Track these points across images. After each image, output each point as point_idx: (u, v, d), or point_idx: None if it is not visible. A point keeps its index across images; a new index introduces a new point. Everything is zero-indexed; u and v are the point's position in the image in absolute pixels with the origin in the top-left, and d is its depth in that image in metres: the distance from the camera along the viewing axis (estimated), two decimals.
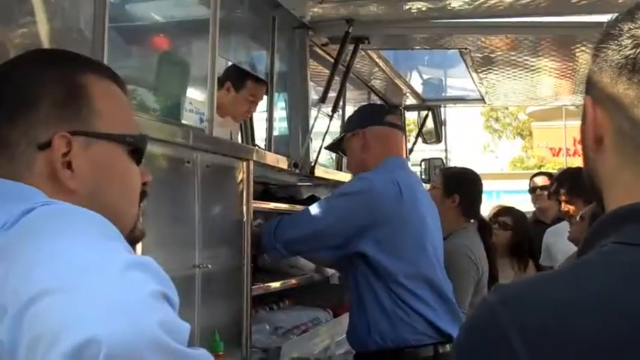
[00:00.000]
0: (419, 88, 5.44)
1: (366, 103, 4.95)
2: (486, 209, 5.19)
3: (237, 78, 3.69)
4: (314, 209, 2.94)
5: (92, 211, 1.02)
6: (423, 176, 5.61)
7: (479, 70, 4.47)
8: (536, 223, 5.15)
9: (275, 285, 3.36)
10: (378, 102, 5.34)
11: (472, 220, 3.90)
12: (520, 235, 4.54)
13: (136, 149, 1.15)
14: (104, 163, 1.11)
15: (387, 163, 3.03)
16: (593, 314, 0.78)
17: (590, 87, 0.95)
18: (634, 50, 0.88)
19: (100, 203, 1.08)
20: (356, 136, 3.11)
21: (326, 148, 3.58)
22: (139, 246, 2.07)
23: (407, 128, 5.54)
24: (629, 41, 0.88)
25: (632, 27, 0.89)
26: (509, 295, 0.84)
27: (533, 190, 5.51)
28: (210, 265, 2.48)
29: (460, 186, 3.86)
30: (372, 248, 2.85)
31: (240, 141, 4.41)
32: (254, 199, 3.36)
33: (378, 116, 3.18)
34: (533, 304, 0.81)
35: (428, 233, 2.97)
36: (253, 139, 4.55)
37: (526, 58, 4.11)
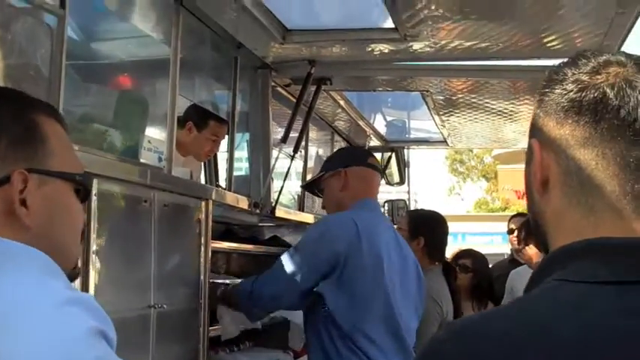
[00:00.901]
0: (382, 130, 5.49)
1: (335, 145, 4.98)
2: (452, 251, 5.22)
3: (198, 118, 3.69)
4: (284, 264, 2.92)
5: (42, 247, 1.05)
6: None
7: (440, 113, 4.53)
8: (512, 262, 5.18)
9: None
10: (342, 143, 5.37)
11: (437, 263, 3.92)
12: (479, 277, 4.57)
13: (82, 188, 1.18)
14: (55, 200, 1.14)
15: (360, 203, 3.04)
16: (531, 347, 0.81)
17: (536, 130, 0.98)
18: (579, 94, 0.92)
19: (50, 240, 1.11)
20: (336, 175, 3.11)
21: (302, 187, 3.60)
22: (91, 284, 2.05)
23: None
24: (574, 85, 0.93)
25: (575, 72, 0.94)
26: (454, 330, 0.88)
27: (510, 231, 5.58)
28: (165, 306, 2.46)
29: (425, 228, 3.90)
30: (331, 292, 2.84)
31: (203, 181, 4.40)
32: (216, 238, 3.36)
33: (361, 157, 3.21)
34: (477, 338, 0.85)
35: (388, 271, 2.95)
36: (217, 179, 4.54)
37: (487, 100, 4.18)
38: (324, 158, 5.27)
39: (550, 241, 0.96)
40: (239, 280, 3.19)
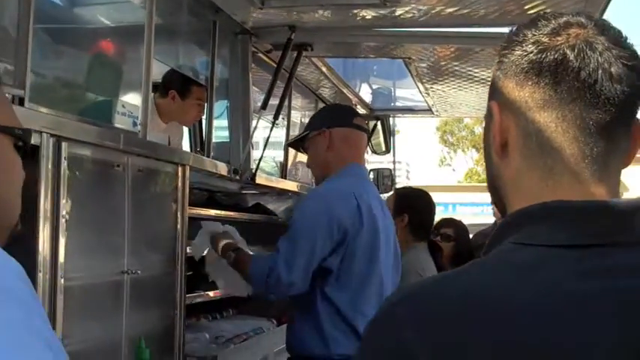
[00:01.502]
0: (367, 98, 5.47)
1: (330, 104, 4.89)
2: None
3: (181, 85, 3.66)
4: (295, 248, 2.77)
5: None
6: None
7: (424, 81, 4.50)
8: None
9: (212, 293, 3.33)
10: None
11: (422, 241, 3.91)
12: (461, 246, 4.58)
13: (22, 143, 1.14)
14: None
15: (349, 170, 2.97)
16: (485, 309, 0.81)
17: (496, 92, 0.96)
18: (539, 55, 0.90)
19: None
20: (321, 135, 3.02)
21: (287, 144, 3.53)
22: (61, 249, 2.03)
23: None
24: (534, 47, 0.91)
25: (535, 33, 0.92)
26: (405, 293, 0.89)
27: (493, 201, 5.57)
28: (139, 272, 2.45)
29: (409, 206, 3.87)
30: (336, 263, 2.80)
31: (190, 149, 4.37)
32: (198, 206, 3.34)
33: (346, 117, 3.09)
34: (429, 300, 0.85)
35: (382, 246, 2.94)
36: (202, 146, 4.50)
37: (470, 69, 4.15)
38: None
39: (508, 204, 0.95)
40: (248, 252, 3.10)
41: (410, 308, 0.84)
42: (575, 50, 0.89)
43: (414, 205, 3.91)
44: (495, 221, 5.60)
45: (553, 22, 0.93)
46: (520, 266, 0.84)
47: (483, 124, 1.01)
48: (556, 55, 0.89)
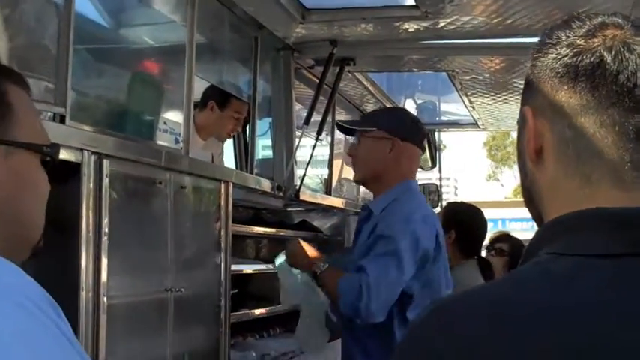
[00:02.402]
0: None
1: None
2: (490, 237, 5.16)
3: (220, 96, 3.67)
4: (381, 275, 2.60)
5: (6, 220, 1.02)
6: None
7: (469, 93, 4.45)
8: None
9: (258, 312, 3.31)
10: None
11: (471, 258, 3.83)
12: (515, 261, 4.50)
13: (49, 159, 1.13)
14: (21, 172, 1.09)
15: (413, 187, 2.87)
16: (520, 321, 0.77)
17: (529, 97, 0.93)
18: (575, 58, 0.87)
19: (14, 213, 1.07)
20: (386, 140, 2.83)
21: (338, 124, 3.20)
22: (103, 267, 2.02)
23: None
24: (569, 49, 0.87)
25: (570, 35, 0.88)
26: (437, 304, 0.85)
27: None
28: (183, 289, 2.43)
29: (457, 222, 3.79)
30: (417, 289, 2.68)
31: (234, 165, 4.38)
32: (244, 223, 3.33)
33: (418, 135, 2.94)
34: (461, 313, 0.82)
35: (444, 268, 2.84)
36: (247, 163, 4.49)
37: (515, 80, 4.08)
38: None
39: (544, 213, 0.91)
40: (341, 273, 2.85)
41: (440, 319, 0.82)
42: (613, 52, 0.85)
43: (462, 221, 3.83)
44: None
45: (588, 23, 0.89)
46: (555, 277, 0.81)
47: None
48: (592, 58, 0.85)
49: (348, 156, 3.12)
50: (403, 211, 2.76)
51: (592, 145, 0.86)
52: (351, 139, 3.06)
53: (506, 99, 4.55)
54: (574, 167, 0.87)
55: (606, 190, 0.85)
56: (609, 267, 0.80)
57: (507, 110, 4.91)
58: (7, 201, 1.06)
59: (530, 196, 0.94)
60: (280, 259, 2.95)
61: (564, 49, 0.88)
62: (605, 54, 0.85)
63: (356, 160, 2.94)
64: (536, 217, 0.94)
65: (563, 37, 0.88)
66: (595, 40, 0.86)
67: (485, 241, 4.50)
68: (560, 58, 0.88)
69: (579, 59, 0.86)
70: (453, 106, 5.16)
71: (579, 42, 0.87)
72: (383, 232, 2.69)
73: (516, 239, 4.78)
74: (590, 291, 0.78)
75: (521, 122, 0.93)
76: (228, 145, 4.36)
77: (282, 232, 3.84)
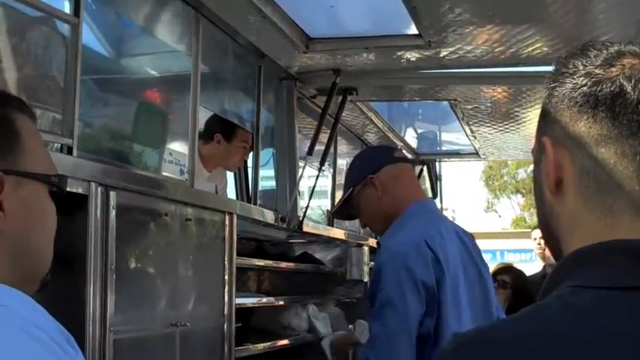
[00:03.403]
0: (413, 142, 5.43)
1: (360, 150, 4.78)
2: (491, 268, 5.15)
3: (225, 128, 3.67)
4: (385, 330, 2.49)
5: (16, 252, 1.03)
6: None
7: (470, 123, 4.46)
8: (544, 278, 5.10)
9: (262, 346, 3.27)
10: None
11: None
12: (518, 293, 4.50)
13: (57, 190, 1.12)
14: (31, 203, 1.08)
15: (411, 212, 2.67)
16: (539, 354, 0.78)
17: (547, 127, 0.92)
18: (594, 88, 0.86)
19: (25, 244, 1.06)
20: (368, 185, 2.72)
21: (332, 214, 3.29)
22: (109, 301, 2.01)
23: None
24: (587, 79, 0.87)
25: (587, 64, 0.88)
26: (459, 341, 0.85)
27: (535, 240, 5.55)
28: (188, 324, 2.41)
29: None
30: (432, 325, 2.52)
31: (236, 197, 4.36)
32: (247, 255, 3.31)
33: (385, 154, 2.82)
34: (485, 347, 0.81)
35: (464, 287, 2.63)
36: (248, 194, 4.49)
37: (516, 109, 4.10)
38: None
39: (564, 245, 0.90)
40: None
41: (463, 356, 0.82)
42: (632, 81, 0.85)
43: None
44: (545, 265, 5.49)
45: (605, 51, 0.89)
46: (578, 310, 0.80)
47: (527, 168, 0.96)
48: (612, 88, 0.85)
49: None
50: (387, 248, 2.63)
51: (613, 175, 0.85)
52: None
53: (507, 128, 4.56)
54: (595, 198, 0.86)
55: (628, 222, 0.85)
56: (630, 300, 0.79)
57: (509, 140, 4.92)
58: (19, 233, 1.05)
59: (549, 227, 0.93)
60: None
61: (582, 78, 0.88)
62: (625, 83, 0.85)
63: (365, 223, 2.94)
64: (555, 248, 0.93)
65: (580, 66, 0.88)
66: (613, 69, 0.87)
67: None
68: (578, 88, 0.88)
69: (599, 88, 0.86)
70: (453, 136, 5.17)
71: (597, 71, 0.87)
72: (375, 281, 2.57)
73: (519, 271, 4.78)
74: (609, 324, 0.78)
75: (540, 153, 0.92)
76: (229, 176, 4.35)
77: (284, 265, 3.83)
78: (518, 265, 5.68)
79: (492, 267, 5.32)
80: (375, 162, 2.78)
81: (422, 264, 2.51)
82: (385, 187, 2.71)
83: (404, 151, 5.01)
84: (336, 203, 3.34)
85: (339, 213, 3.08)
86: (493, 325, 0.89)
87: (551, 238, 0.94)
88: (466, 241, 2.75)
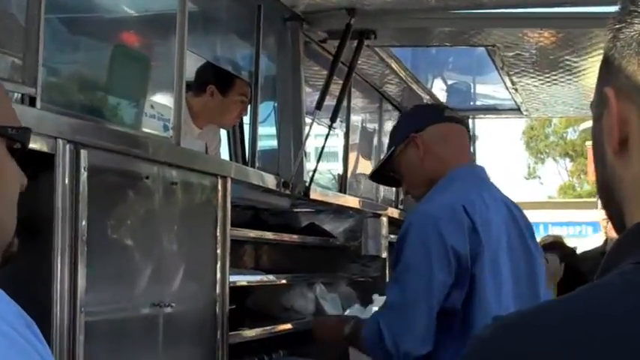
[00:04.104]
0: (442, 96, 5.43)
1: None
2: None
3: (221, 78, 3.67)
4: (404, 299, 2.59)
5: None
6: None
7: (511, 73, 4.45)
8: (603, 255, 5.12)
9: (260, 331, 3.30)
10: (393, 112, 5.30)
11: None
12: (569, 274, 4.50)
13: (17, 145, 1.11)
14: None
15: (454, 175, 2.76)
16: (596, 342, 0.77)
17: (611, 76, 0.91)
18: None
19: None
20: (410, 145, 2.82)
21: (370, 177, 3.33)
22: (80, 276, 2.02)
23: None
24: None
25: None
26: (499, 326, 0.86)
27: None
28: (173, 304, 2.43)
29: None
30: (460, 301, 2.60)
31: (230, 158, 4.37)
32: (242, 226, 3.33)
33: (435, 112, 2.94)
34: (526, 333, 0.82)
35: (506, 260, 2.70)
36: (244, 156, 4.50)
37: (568, 58, 4.07)
38: (371, 130, 5.24)
39: (627, 214, 0.90)
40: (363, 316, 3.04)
41: (504, 344, 0.82)
42: None
43: None
44: (606, 239, 5.51)
45: None
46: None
47: (577, 127, 0.96)
48: None
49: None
50: (420, 211, 2.75)
51: None
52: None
53: (555, 80, 4.55)
54: None
55: None
56: None
57: (557, 93, 4.92)
58: None
59: (610, 192, 0.93)
60: None
61: None
62: None
63: (407, 189, 3.02)
64: (616, 217, 0.93)
65: None
66: None
67: None
68: None
69: None
70: (490, 88, 5.17)
71: None
72: (400, 244, 2.66)
73: (568, 247, 4.77)
74: None
75: (601, 106, 0.92)
76: (222, 134, 4.36)
77: (287, 238, 3.85)
78: (566, 241, 5.68)
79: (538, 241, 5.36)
80: (420, 120, 2.90)
81: (456, 230, 2.59)
82: (428, 148, 2.80)
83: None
84: (376, 164, 3.38)
85: (378, 176, 3.20)
86: (539, 307, 0.89)
87: (612, 207, 0.93)
88: (516, 214, 2.82)
